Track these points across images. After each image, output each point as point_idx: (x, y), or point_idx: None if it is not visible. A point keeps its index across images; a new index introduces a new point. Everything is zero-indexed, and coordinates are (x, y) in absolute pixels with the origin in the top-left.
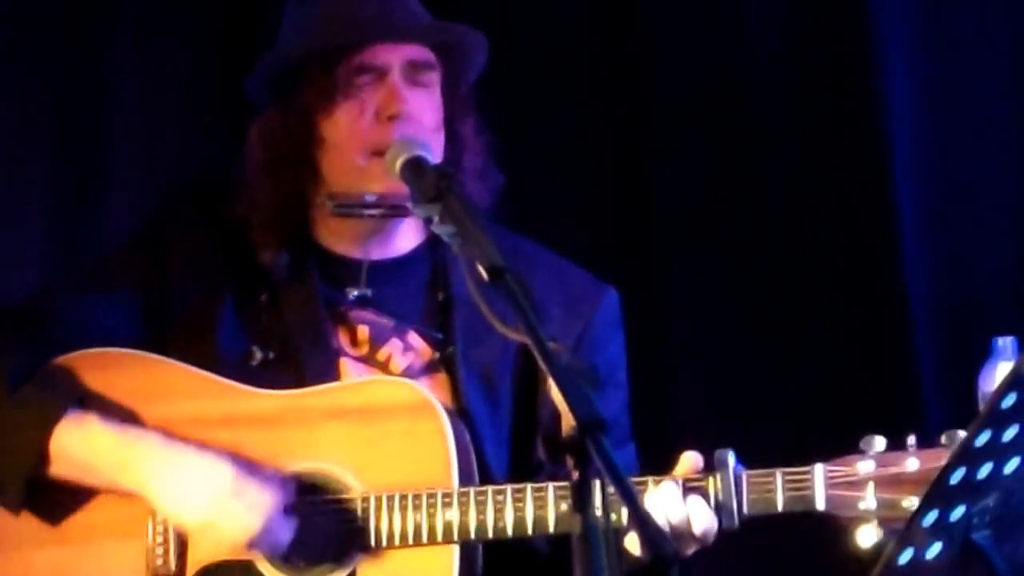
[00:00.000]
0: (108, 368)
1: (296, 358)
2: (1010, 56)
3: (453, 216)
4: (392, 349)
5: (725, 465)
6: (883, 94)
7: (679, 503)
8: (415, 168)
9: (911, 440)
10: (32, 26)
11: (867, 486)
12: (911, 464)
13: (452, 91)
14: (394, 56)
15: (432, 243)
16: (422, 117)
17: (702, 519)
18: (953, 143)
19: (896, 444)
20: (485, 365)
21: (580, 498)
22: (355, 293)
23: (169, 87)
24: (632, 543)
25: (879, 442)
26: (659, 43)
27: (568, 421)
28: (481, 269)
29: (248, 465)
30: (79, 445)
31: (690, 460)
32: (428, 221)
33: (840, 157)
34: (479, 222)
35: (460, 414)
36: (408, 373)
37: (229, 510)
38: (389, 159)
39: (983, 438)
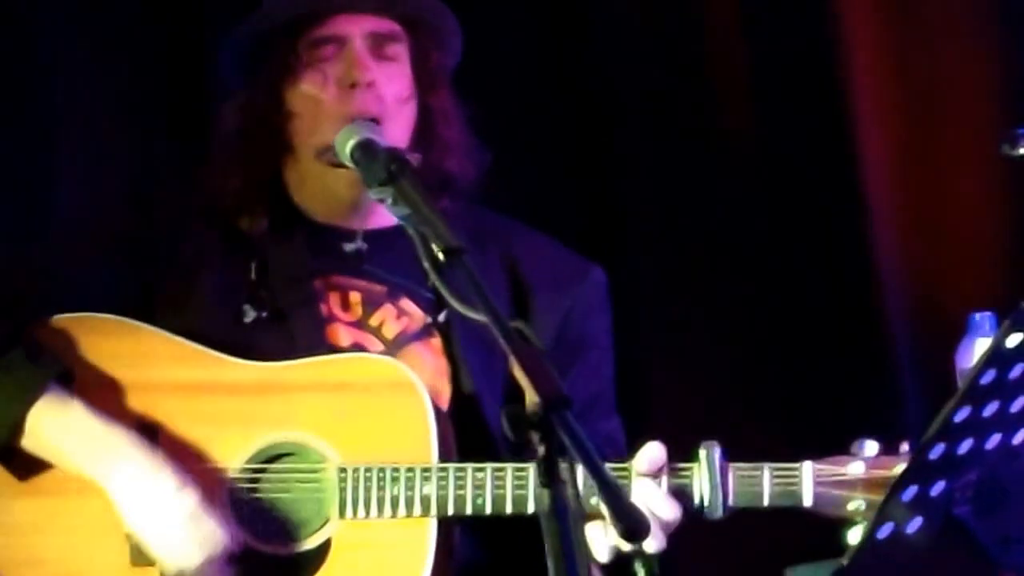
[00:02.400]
0: (91, 333)
1: (287, 322)
2: (980, 47)
3: (406, 198)
4: (385, 314)
5: (711, 457)
6: (849, 85)
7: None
8: (365, 151)
9: (904, 447)
10: None
11: (856, 487)
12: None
13: (422, 65)
14: (355, 27)
15: None
16: (387, 87)
17: (663, 510)
18: (923, 124)
19: (888, 449)
20: (482, 328)
21: (547, 473)
22: (351, 246)
23: (113, 81)
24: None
25: (870, 446)
26: (624, 40)
27: (532, 398)
28: (437, 251)
29: (210, 496)
30: (54, 427)
31: (653, 451)
32: (382, 203)
33: (809, 147)
34: (433, 203)
35: (455, 377)
36: (402, 338)
37: (178, 536)
38: (339, 144)
39: (962, 414)
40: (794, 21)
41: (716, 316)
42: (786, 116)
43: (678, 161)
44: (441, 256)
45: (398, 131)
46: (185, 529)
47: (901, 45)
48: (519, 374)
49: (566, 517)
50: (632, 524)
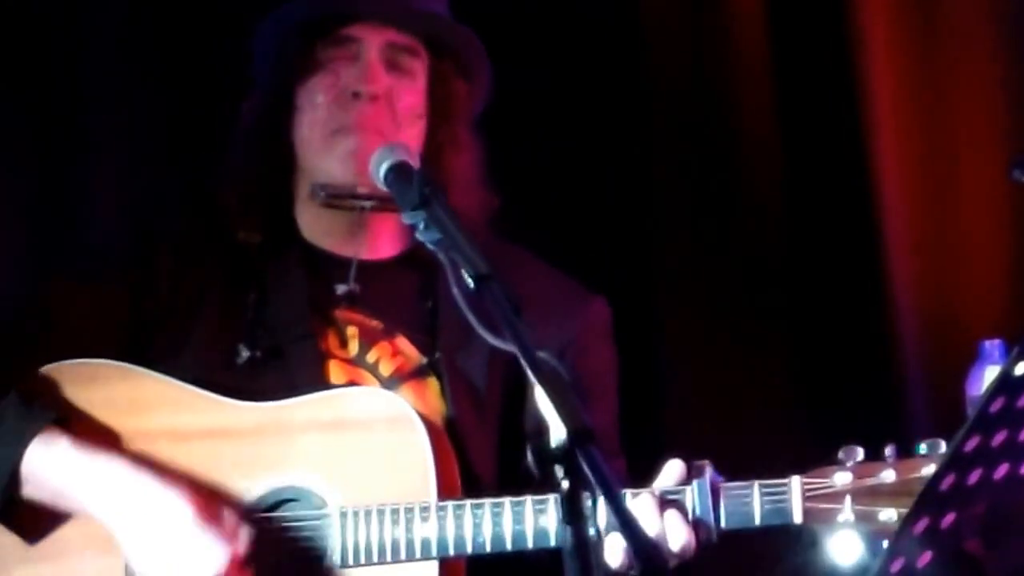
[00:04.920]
0: (87, 381)
1: (283, 359)
2: (994, 62)
3: (438, 223)
4: (381, 352)
5: (703, 477)
6: (867, 103)
7: (655, 517)
8: (399, 174)
9: (889, 451)
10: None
11: (844, 498)
12: (888, 475)
13: (439, 88)
14: (374, 34)
15: (421, 246)
16: (397, 101)
17: (679, 535)
18: (938, 147)
19: (874, 454)
20: (471, 372)
21: (571, 510)
22: (343, 288)
23: (146, 89)
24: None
25: (858, 452)
26: (653, 56)
27: (556, 431)
28: (467, 276)
29: (212, 507)
30: (49, 469)
31: (674, 469)
32: (413, 228)
33: (825, 167)
34: (464, 229)
35: (447, 419)
36: (397, 377)
37: (185, 559)
38: (373, 164)
39: (972, 443)
40: (819, 58)
41: (730, 339)
42: (806, 142)
43: (697, 182)
44: (471, 283)
45: (415, 164)
46: (191, 552)
47: (919, 69)
48: (545, 406)
49: (589, 554)
50: (652, 563)
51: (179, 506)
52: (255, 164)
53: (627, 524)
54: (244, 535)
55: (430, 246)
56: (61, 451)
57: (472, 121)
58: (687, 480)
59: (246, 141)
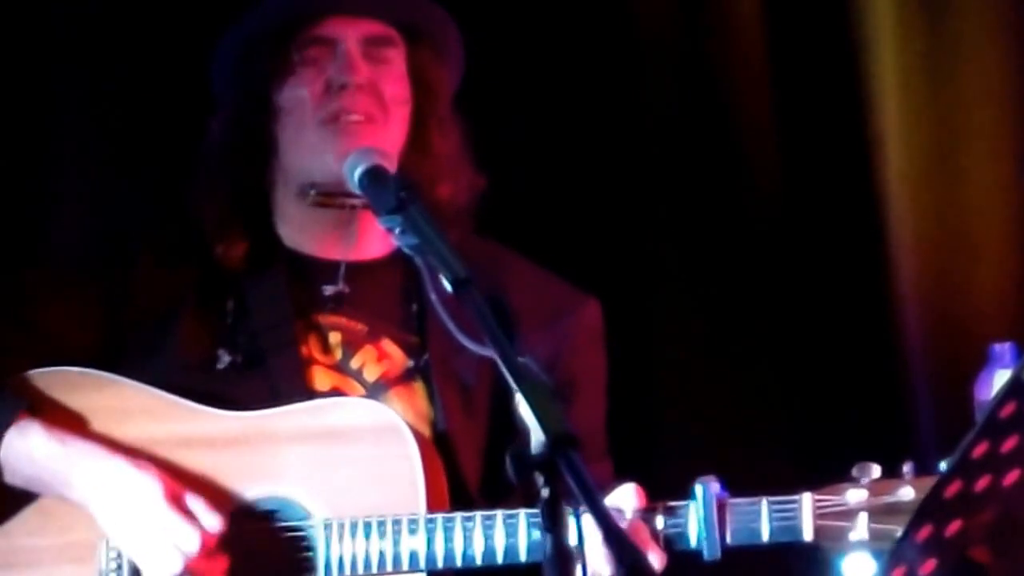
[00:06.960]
0: (64, 390)
1: (265, 365)
2: (1002, 61)
3: (415, 227)
4: (366, 356)
5: (707, 494)
6: (871, 104)
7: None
8: (374, 178)
9: (907, 468)
10: None
11: (858, 516)
12: (906, 493)
13: (419, 73)
14: (348, 30)
15: None
16: (380, 89)
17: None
18: (944, 148)
19: (891, 471)
20: (462, 373)
21: (551, 517)
22: (331, 289)
23: (116, 91)
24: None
25: (874, 470)
26: (651, 54)
27: (537, 438)
28: (445, 282)
29: (182, 490)
30: (24, 458)
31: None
32: (390, 232)
33: (828, 169)
34: (443, 232)
35: (435, 424)
36: (383, 381)
37: (158, 538)
38: (347, 168)
39: (980, 449)
40: (821, 58)
41: (730, 343)
42: (807, 143)
43: (694, 186)
44: (449, 288)
45: (390, 133)
46: (157, 524)
47: (925, 69)
48: (525, 413)
49: (569, 564)
50: (636, 571)
51: (151, 485)
52: (234, 179)
53: (609, 531)
54: (214, 520)
55: (407, 251)
56: (35, 438)
57: (452, 101)
58: (689, 496)
59: (221, 155)
